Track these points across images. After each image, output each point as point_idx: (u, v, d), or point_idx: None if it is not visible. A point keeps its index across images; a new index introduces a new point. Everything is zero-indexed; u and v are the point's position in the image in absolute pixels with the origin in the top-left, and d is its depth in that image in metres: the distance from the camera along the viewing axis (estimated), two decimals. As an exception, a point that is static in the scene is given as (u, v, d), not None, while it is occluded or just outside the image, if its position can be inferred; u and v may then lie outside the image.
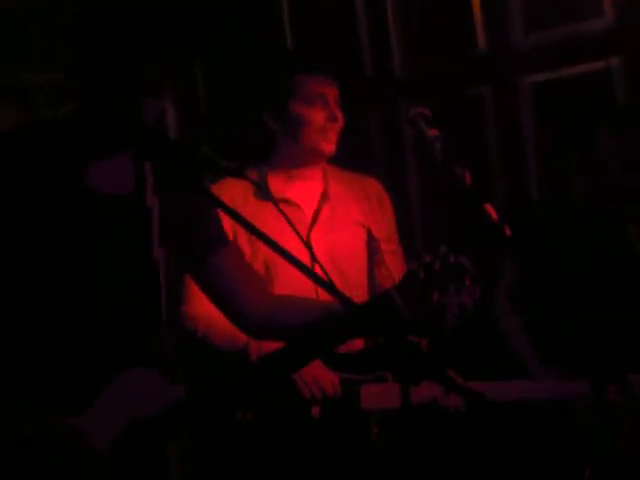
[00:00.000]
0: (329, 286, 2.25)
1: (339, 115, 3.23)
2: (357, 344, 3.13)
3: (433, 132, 2.91)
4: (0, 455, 2.21)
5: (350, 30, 4.64)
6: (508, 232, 2.69)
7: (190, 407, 2.36)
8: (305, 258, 3.06)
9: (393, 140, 4.52)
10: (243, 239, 3.07)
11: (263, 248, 3.04)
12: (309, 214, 3.24)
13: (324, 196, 3.26)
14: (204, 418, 2.40)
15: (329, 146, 3.22)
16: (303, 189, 3.25)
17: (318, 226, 3.21)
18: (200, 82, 4.87)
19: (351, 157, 3.40)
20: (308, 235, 3.20)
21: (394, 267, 3.28)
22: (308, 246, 2.84)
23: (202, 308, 2.96)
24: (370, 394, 2.95)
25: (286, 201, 3.20)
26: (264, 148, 3.32)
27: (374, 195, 3.35)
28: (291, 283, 2.98)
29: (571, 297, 3.44)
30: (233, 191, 3.15)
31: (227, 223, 2.85)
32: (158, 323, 2.43)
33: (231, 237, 2.82)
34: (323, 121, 3.22)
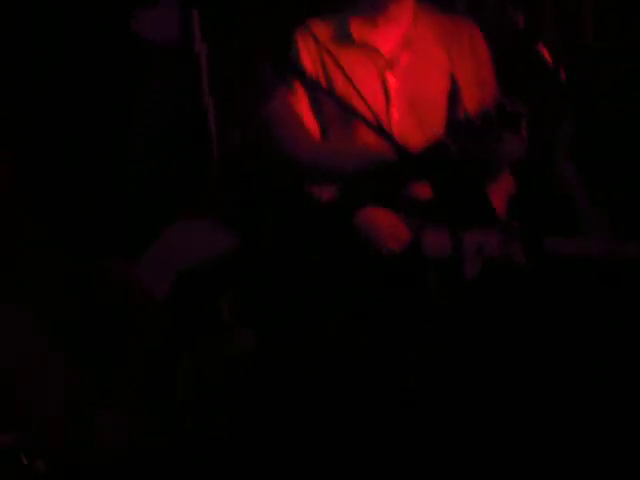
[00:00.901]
0: (382, 130, 2.21)
1: None
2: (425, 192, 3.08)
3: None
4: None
5: None
6: (563, 75, 2.64)
7: (242, 256, 2.37)
8: (381, 102, 3.07)
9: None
10: (323, 82, 3.07)
11: (341, 95, 3.04)
12: (386, 59, 3.16)
13: (407, 40, 3.17)
14: (256, 269, 2.42)
15: None
16: (385, 33, 3.16)
17: (396, 70, 3.14)
18: None
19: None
20: (384, 79, 3.13)
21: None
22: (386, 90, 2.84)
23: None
24: (431, 241, 2.94)
25: (365, 45, 3.13)
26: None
27: (466, 39, 3.23)
28: (364, 130, 2.96)
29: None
30: (317, 32, 3.11)
31: (308, 61, 2.93)
32: (211, 170, 2.43)
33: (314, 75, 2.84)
34: None
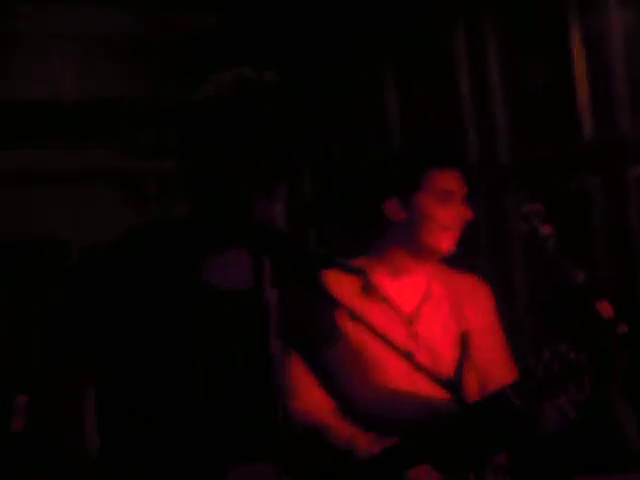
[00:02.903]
0: (448, 384, 2.22)
1: (468, 214, 3.17)
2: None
3: (547, 229, 2.88)
4: None
5: (455, 120, 4.66)
6: (624, 328, 2.65)
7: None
8: (402, 357, 3.08)
9: (498, 233, 4.50)
10: (349, 332, 3.07)
11: (366, 344, 2.96)
12: (408, 312, 3.18)
13: (427, 294, 3.21)
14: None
15: (449, 245, 3.16)
16: (407, 286, 3.20)
17: (418, 326, 3.17)
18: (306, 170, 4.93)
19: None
20: (410, 332, 3.15)
21: (491, 363, 3.21)
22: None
23: (311, 403, 2.94)
24: None
25: (387, 300, 3.16)
26: (370, 239, 3.30)
27: (468, 292, 3.27)
28: (392, 380, 2.95)
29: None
30: (340, 284, 3.14)
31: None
32: (276, 419, 2.43)
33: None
34: (450, 219, 3.15)
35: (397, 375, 2.96)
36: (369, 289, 3.14)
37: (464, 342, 3.00)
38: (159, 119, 5.67)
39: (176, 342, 2.35)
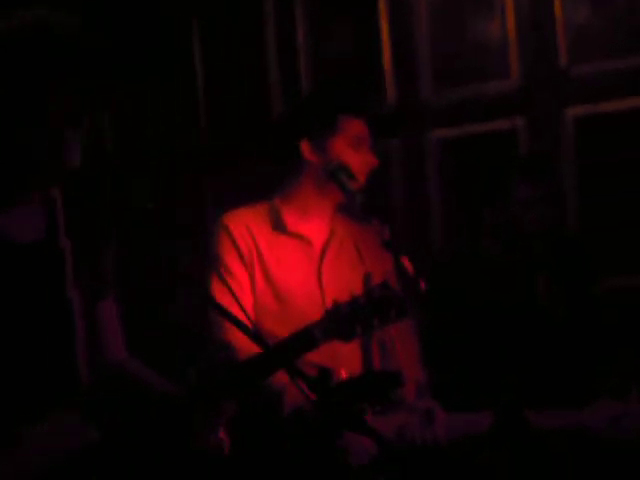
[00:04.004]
0: (252, 334, 2.26)
1: (375, 161, 3.21)
2: None
3: (353, 184, 2.95)
4: None
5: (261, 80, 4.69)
6: (423, 285, 2.75)
7: (105, 450, 2.34)
8: (316, 291, 3.14)
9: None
10: (257, 267, 3.13)
11: (275, 280, 3.13)
12: (318, 249, 3.23)
13: (333, 233, 3.26)
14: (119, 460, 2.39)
15: (357, 188, 3.17)
16: (316, 225, 3.24)
17: (326, 262, 3.22)
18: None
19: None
20: (319, 270, 3.21)
21: None
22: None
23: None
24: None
25: (300, 237, 3.21)
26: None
27: (370, 239, 3.31)
28: (301, 314, 3.02)
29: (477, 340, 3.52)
30: (248, 219, 3.18)
31: (245, 248, 3.05)
32: (72, 363, 2.41)
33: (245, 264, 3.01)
34: (360, 164, 3.19)
35: (305, 311, 3.03)
36: (280, 226, 3.20)
37: (367, 281, 3.08)
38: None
39: None
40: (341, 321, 2.61)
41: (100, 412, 2.45)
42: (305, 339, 2.59)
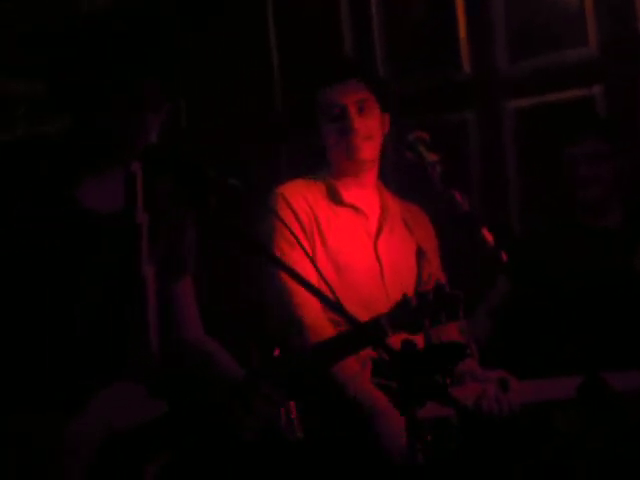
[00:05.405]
0: (334, 305, 2.26)
1: (352, 125, 3.14)
2: None
3: (433, 156, 2.95)
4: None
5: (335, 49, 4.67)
6: (504, 256, 2.74)
7: (169, 424, 2.37)
8: (374, 264, 3.16)
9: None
10: (317, 239, 3.13)
11: (334, 252, 3.12)
12: (374, 223, 3.23)
13: (384, 208, 3.25)
14: (184, 436, 2.41)
15: (355, 154, 3.15)
16: (363, 196, 3.24)
17: (383, 236, 3.22)
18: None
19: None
20: (375, 243, 3.21)
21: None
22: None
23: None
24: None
25: (355, 208, 3.20)
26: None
27: (416, 217, 3.35)
28: (358, 285, 3.08)
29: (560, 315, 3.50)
30: (305, 190, 3.17)
31: (306, 219, 3.06)
32: (145, 339, 2.45)
33: (307, 235, 3.05)
34: (336, 135, 3.17)
35: (362, 282, 3.09)
36: (336, 197, 3.19)
37: (421, 257, 3.09)
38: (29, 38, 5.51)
39: (47, 261, 2.33)
40: (410, 314, 2.59)
41: (168, 387, 2.49)
42: (374, 330, 2.57)
